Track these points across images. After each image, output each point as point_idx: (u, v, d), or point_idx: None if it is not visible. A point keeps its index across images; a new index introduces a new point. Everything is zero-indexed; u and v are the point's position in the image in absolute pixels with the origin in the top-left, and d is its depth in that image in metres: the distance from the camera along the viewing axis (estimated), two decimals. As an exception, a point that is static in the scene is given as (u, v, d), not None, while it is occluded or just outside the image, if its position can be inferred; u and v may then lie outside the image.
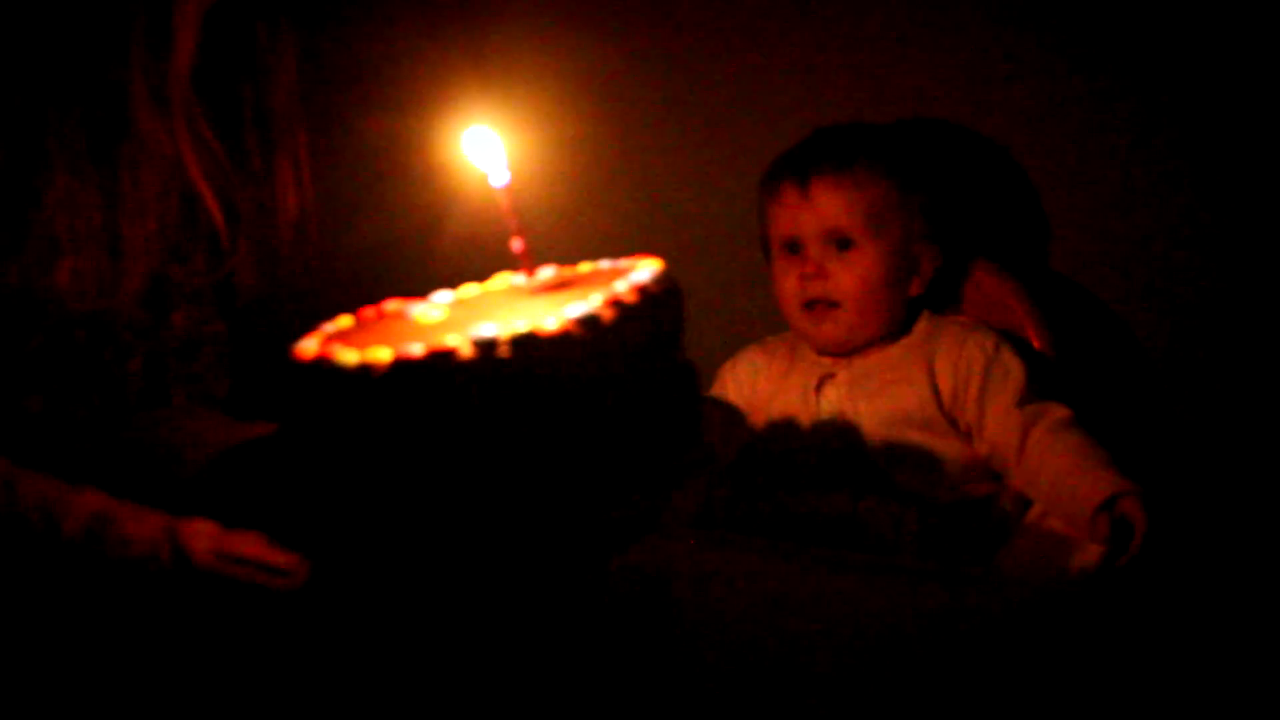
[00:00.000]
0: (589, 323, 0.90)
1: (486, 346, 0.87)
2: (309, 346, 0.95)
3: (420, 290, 1.10)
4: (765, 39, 1.72)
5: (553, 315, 0.90)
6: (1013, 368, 1.44)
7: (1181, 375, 1.60)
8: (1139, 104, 1.56)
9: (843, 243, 1.46)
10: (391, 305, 1.03)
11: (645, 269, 0.98)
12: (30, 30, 1.13)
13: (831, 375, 1.49)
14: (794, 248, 1.49)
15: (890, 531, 1.36)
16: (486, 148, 0.96)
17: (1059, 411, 1.39)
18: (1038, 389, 1.43)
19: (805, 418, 1.48)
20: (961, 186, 1.64)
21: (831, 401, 1.48)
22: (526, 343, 0.88)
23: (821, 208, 1.46)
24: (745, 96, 1.67)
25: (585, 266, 1.08)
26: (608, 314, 0.90)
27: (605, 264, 1.07)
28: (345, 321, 1.04)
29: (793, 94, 1.65)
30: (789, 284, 1.49)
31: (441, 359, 0.87)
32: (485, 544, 0.90)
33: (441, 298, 1.02)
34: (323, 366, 0.92)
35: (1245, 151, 1.52)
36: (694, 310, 1.04)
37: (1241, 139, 1.52)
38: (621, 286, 0.93)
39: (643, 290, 0.93)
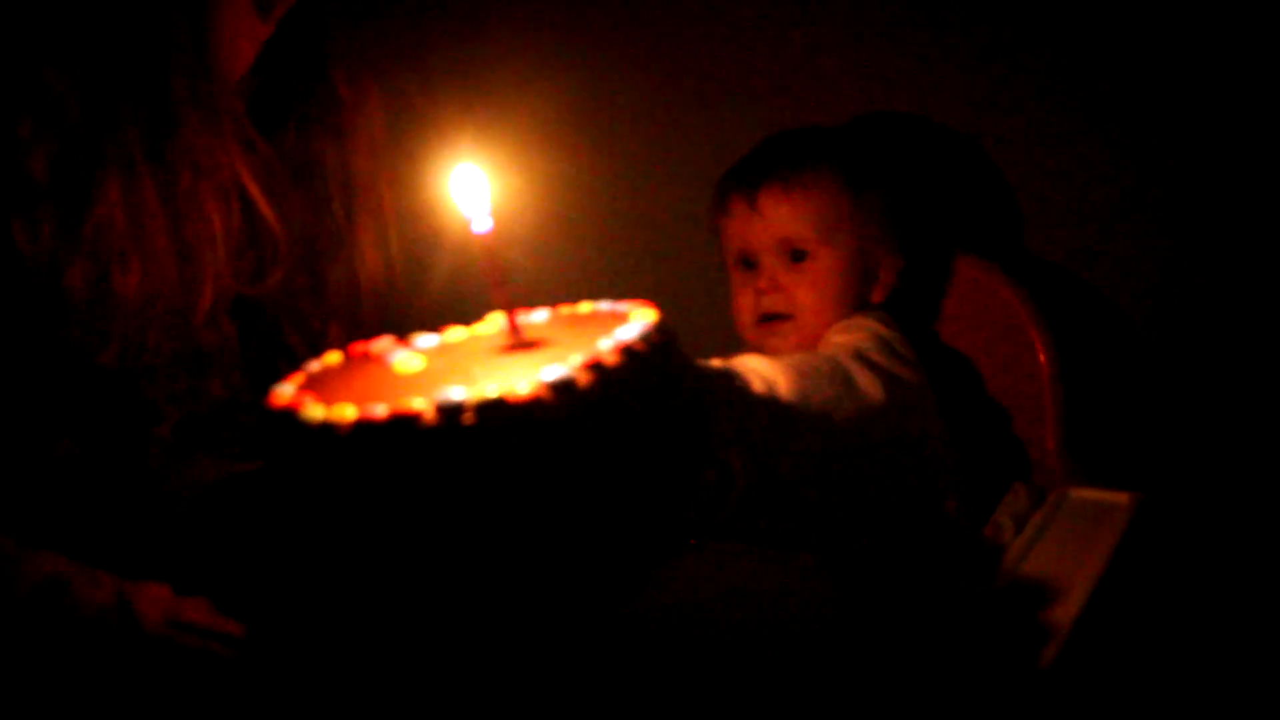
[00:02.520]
0: (563, 388, 0.84)
1: (451, 411, 0.83)
2: (284, 392, 0.92)
3: (416, 325, 1.07)
4: (758, 78, 1.71)
5: (528, 376, 0.85)
6: (855, 323, 1.38)
7: (1181, 371, 1.57)
8: (1127, 93, 1.53)
9: (796, 254, 1.42)
10: (381, 344, 0.99)
11: (636, 321, 0.92)
12: (91, 43, 1.13)
13: None
14: (748, 263, 1.45)
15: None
16: (471, 190, 0.91)
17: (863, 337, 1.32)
18: (867, 333, 1.35)
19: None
20: (935, 183, 1.61)
21: None
22: (493, 409, 0.83)
23: (770, 218, 1.42)
24: (738, 132, 1.61)
25: (585, 307, 1.03)
26: (584, 378, 0.85)
27: (605, 306, 1.02)
28: (333, 358, 1.01)
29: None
30: (744, 300, 1.45)
31: (404, 423, 0.83)
32: (444, 619, 0.86)
33: (425, 342, 0.98)
34: (290, 418, 0.88)
35: (1244, 143, 1.48)
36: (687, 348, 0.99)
37: (1240, 129, 1.48)
38: (604, 345, 0.88)
39: (627, 350, 0.88)
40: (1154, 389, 1.59)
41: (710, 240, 1.52)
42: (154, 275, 1.13)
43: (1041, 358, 1.46)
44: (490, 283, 0.92)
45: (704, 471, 0.97)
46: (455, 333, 0.99)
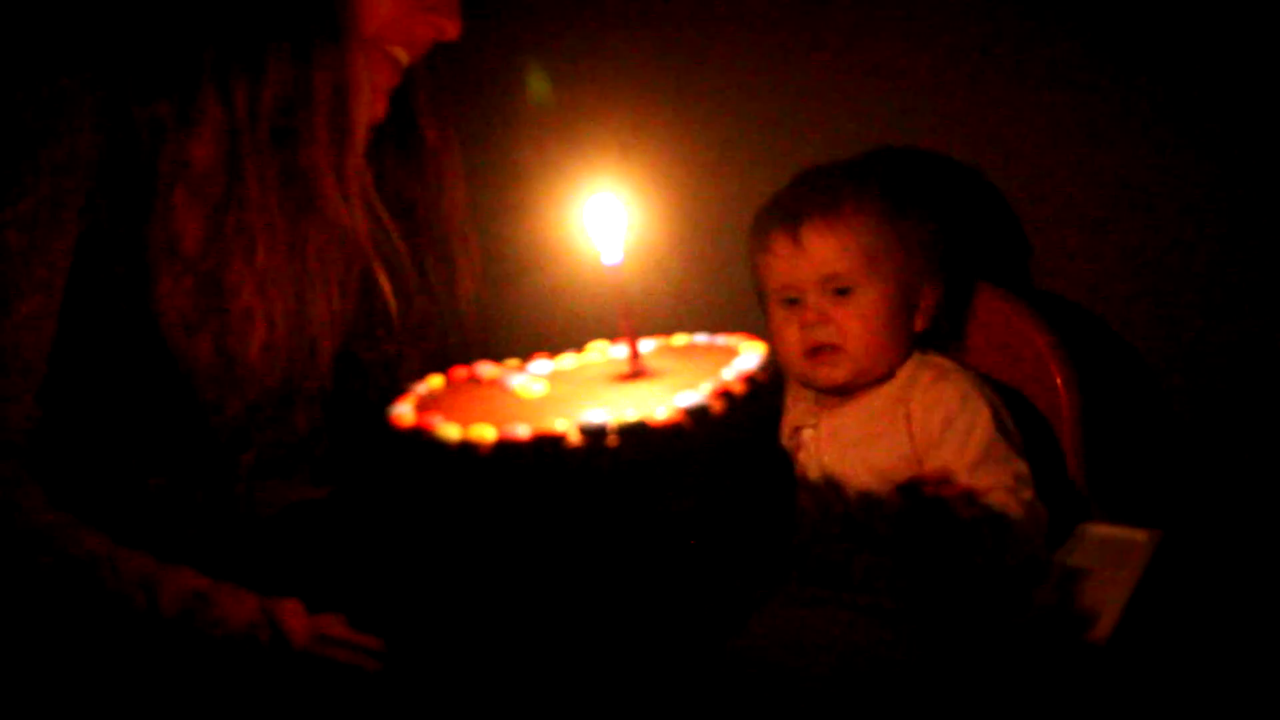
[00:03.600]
0: (698, 414, 0.88)
1: (595, 434, 0.86)
2: (405, 414, 0.94)
3: (508, 350, 1.09)
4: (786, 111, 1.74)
5: (660, 402, 0.88)
6: (975, 425, 1.39)
7: (1198, 402, 1.59)
8: (1149, 118, 1.55)
9: (841, 288, 1.43)
10: (486, 370, 1.01)
11: (750, 354, 0.96)
12: (239, 114, 1.14)
13: (814, 425, 1.45)
14: (791, 299, 1.45)
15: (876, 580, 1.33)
16: (606, 220, 0.94)
17: (1004, 498, 1.34)
18: (1007, 455, 1.38)
19: (787, 465, 1.44)
20: (962, 212, 1.63)
21: (810, 452, 1.44)
22: (635, 432, 0.86)
23: (815, 256, 1.43)
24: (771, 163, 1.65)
25: (681, 339, 1.06)
26: (717, 405, 0.89)
27: (702, 339, 1.06)
28: (436, 382, 1.03)
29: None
30: (790, 334, 1.44)
31: (548, 443, 0.86)
32: (583, 629, 0.89)
33: (539, 368, 1.00)
34: (421, 438, 0.90)
35: (1264, 171, 1.50)
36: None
37: (1257, 156, 1.50)
38: (729, 375, 0.92)
39: (751, 380, 0.92)
40: (1176, 427, 1.61)
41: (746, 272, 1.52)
42: (276, 340, 1.16)
43: (1064, 398, 1.49)
44: (619, 313, 0.95)
45: (794, 500, 1.01)
46: (566, 360, 1.02)
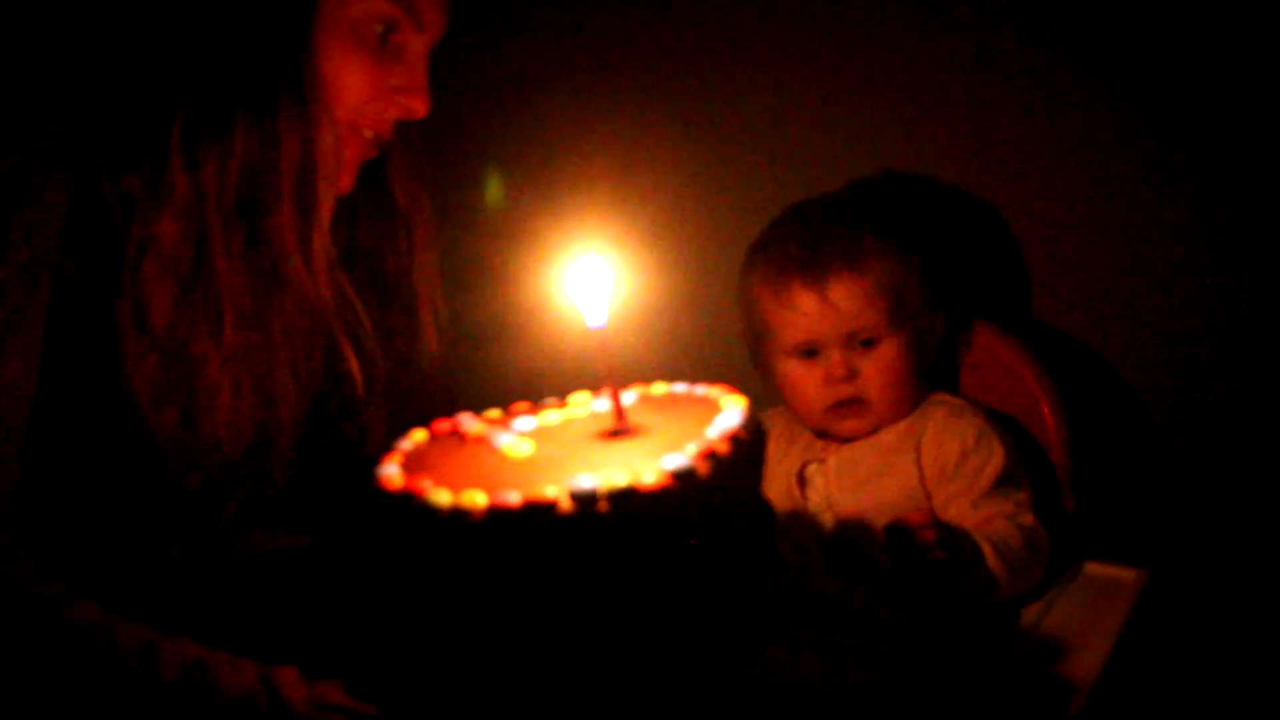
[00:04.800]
0: (685, 477, 0.90)
1: (585, 500, 0.87)
2: (393, 475, 0.95)
3: (487, 399, 1.11)
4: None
5: (647, 463, 0.90)
6: (989, 463, 1.40)
7: (1191, 435, 1.60)
8: (1142, 147, 1.55)
9: (865, 340, 1.42)
10: (471, 425, 1.02)
11: (731, 410, 0.98)
12: (206, 192, 1.15)
13: (821, 460, 1.46)
14: (810, 352, 1.44)
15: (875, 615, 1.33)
16: (591, 283, 0.95)
17: (1004, 527, 1.35)
18: (1010, 486, 1.39)
19: (791, 501, 1.46)
20: (956, 245, 1.63)
21: (817, 489, 1.46)
22: (625, 497, 0.88)
23: (842, 310, 1.41)
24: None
25: (660, 388, 1.08)
26: (703, 468, 0.90)
27: (681, 388, 1.07)
28: (420, 436, 1.04)
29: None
30: (810, 388, 1.44)
31: (539, 510, 0.87)
32: (576, 694, 0.90)
33: (523, 424, 1.02)
34: (412, 502, 0.91)
35: (1258, 211, 1.51)
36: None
37: (1252, 196, 1.51)
38: (713, 434, 0.93)
39: (734, 439, 0.93)
40: (1164, 451, 1.62)
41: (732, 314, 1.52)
42: (241, 412, 1.16)
43: (1053, 433, 1.51)
44: (603, 371, 0.96)
45: (776, 553, 1.02)
46: (550, 415, 1.03)
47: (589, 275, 0.95)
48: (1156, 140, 1.55)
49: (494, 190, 1.72)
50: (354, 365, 1.22)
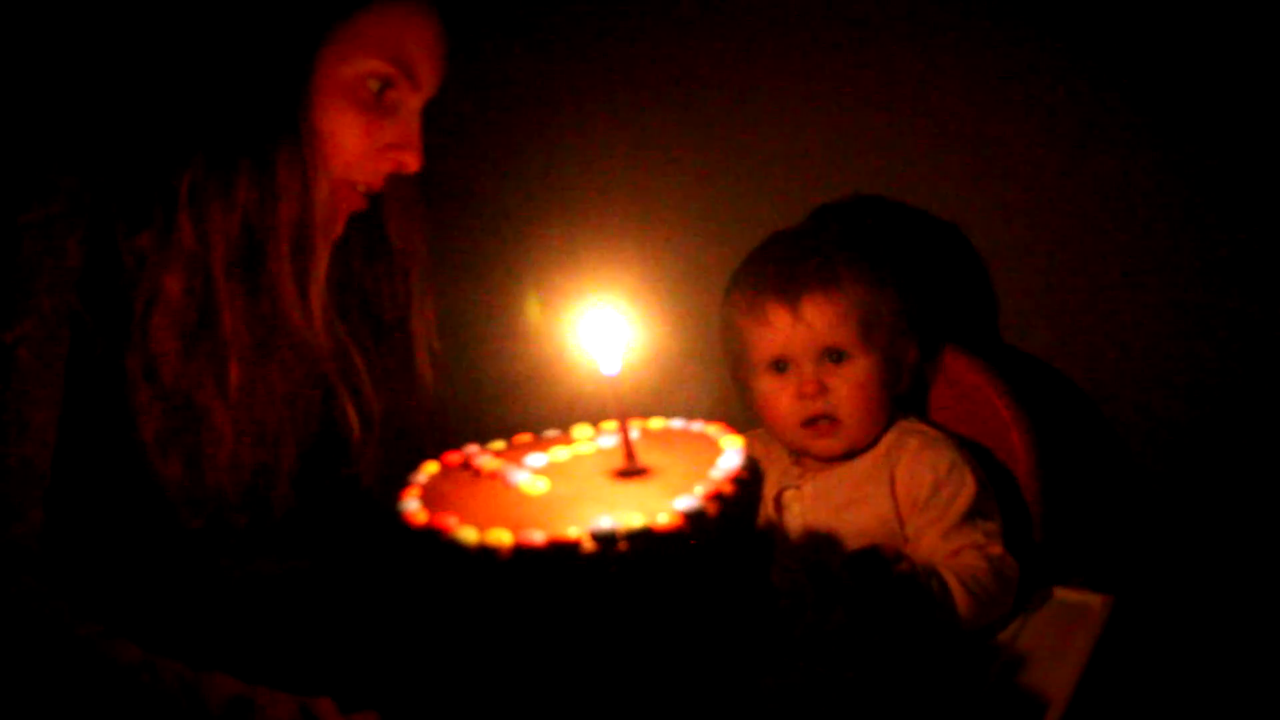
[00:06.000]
0: (695, 518, 0.96)
1: (606, 541, 0.94)
2: (415, 510, 1.00)
3: (494, 430, 1.16)
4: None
5: (659, 504, 0.96)
6: (960, 493, 1.45)
7: (1164, 463, 1.65)
8: (1114, 170, 1.59)
9: (836, 355, 1.48)
10: (486, 462, 1.08)
11: (732, 451, 1.05)
12: (208, 242, 1.19)
13: (797, 487, 1.52)
14: (781, 366, 1.50)
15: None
16: (604, 331, 1.01)
17: (973, 558, 1.41)
18: (979, 517, 1.44)
19: (769, 525, 1.51)
20: (928, 271, 1.68)
21: (795, 514, 1.51)
22: (642, 538, 0.94)
23: (816, 326, 1.47)
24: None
25: (657, 423, 1.14)
26: (712, 509, 0.97)
27: (678, 424, 1.14)
28: (432, 469, 1.09)
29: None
30: (783, 403, 1.49)
31: (563, 550, 0.94)
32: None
33: (535, 461, 1.08)
34: (439, 539, 0.97)
35: (1231, 227, 1.55)
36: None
37: (1226, 212, 1.55)
38: (718, 475, 1.00)
39: (737, 481, 1.01)
40: (1138, 481, 1.66)
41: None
42: (242, 457, 1.21)
43: (1021, 457, 1.56)
44: (617, 419, 1.02)
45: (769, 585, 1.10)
46: (559, 452, 1.09)
47: (604, 325, 1.01)
48: (1126, 166, 1.59)
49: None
50: (350, 408, 1.27)
